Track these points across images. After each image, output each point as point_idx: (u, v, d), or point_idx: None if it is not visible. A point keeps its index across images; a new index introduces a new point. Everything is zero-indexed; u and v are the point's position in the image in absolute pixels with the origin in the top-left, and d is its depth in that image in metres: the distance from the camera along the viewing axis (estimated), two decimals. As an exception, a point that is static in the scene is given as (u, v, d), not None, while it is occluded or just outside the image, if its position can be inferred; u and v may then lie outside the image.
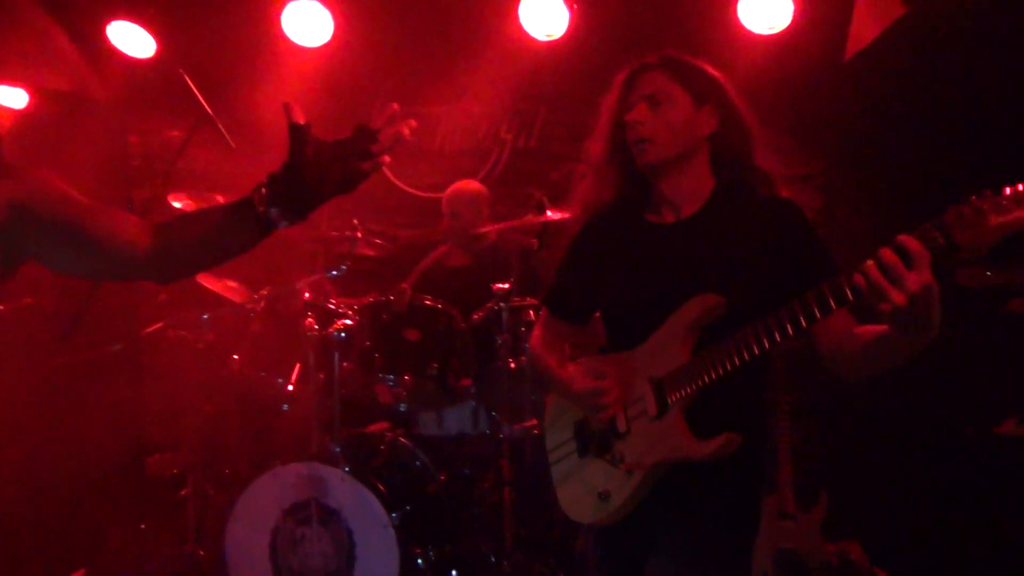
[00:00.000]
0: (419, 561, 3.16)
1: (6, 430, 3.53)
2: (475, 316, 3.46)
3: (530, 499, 3.49)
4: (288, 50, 4.40)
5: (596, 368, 1.98)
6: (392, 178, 4.91)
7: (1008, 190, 1.37)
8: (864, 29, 3.95)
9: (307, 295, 3.57)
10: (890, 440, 3.75)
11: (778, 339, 1.66)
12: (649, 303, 1.94)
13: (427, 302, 3.46)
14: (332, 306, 3.51)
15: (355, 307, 3.48)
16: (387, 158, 1.47)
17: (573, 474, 2.05)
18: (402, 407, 3.61)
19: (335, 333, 3.33)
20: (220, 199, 3.61)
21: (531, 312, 3.44)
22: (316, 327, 3.40)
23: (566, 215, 3.33)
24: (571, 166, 4.69)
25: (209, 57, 4.37)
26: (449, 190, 4.18)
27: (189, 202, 3.70)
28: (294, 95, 1.49)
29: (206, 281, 3.78)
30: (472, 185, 4.25)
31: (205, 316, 3.77)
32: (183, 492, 3.78)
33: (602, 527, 1.98)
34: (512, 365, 3.40)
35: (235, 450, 3.90)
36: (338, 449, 3.26)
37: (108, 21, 4.32)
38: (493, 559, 3.38)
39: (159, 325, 3.90)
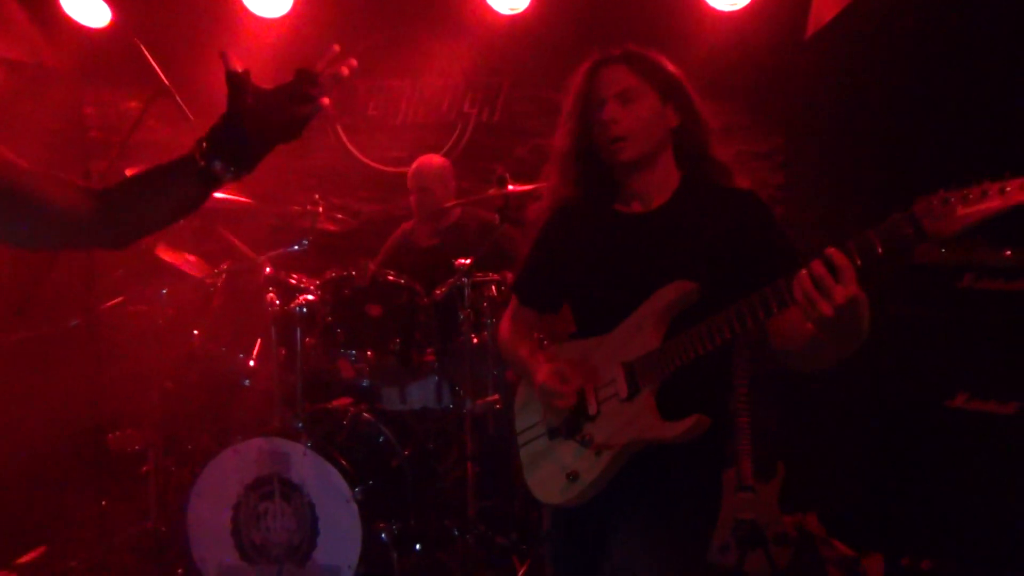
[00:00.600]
0: (382, 536, 3.18)
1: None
2: (438, 292, 3.46)
3: (492, 473, 3.52)
4: (247, 20, 4.34)
5: (562, 367, 2.00)
6: (355, 152, 4.87)
7: (974, 183, 1.41)
8: (824, 7, 3.98)
9: (269, 270, 3.53)
10: (846, 413, 3.83)
11: (750, 325, 1.72)
12: (620, 290, 1.98)
13: (390, 277, 3.46)
14: (293, 281, 3.48)
15: (317, 282, 3.47)
16: (327, 100, 1.44)
17: (542, 456, 2.07)
18: (365, 382, 3.61)
19: (297, 308, 3.31)
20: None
21: (493, 288, 3.45)
22: (277, 302, 3.38)
23: (528, 189, 3.35)
24: (535, 141, 4.73)
25: (166, 27, 4.29)
26: (415, 165, 4.16)
27: (147, 175, 3.64)
28: (252, 66, 1.46)
29: (165, 255, 3.73)
30: (437, 159, 4.23)
31: (164, 291, 3.72)
32: (144, 468, 3.75)
33: (567, 508, 2.00)
34: (475, 340, 3.41)
35: (197, 426, 3.88)
36: (300, 424, 3.26)
37: (62, -11, 4.22)
38: (456, 533, 3.41)
39: (118, 300, 3.85)
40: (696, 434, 1.81)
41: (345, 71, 1.43)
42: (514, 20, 4.40)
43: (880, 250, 1.48)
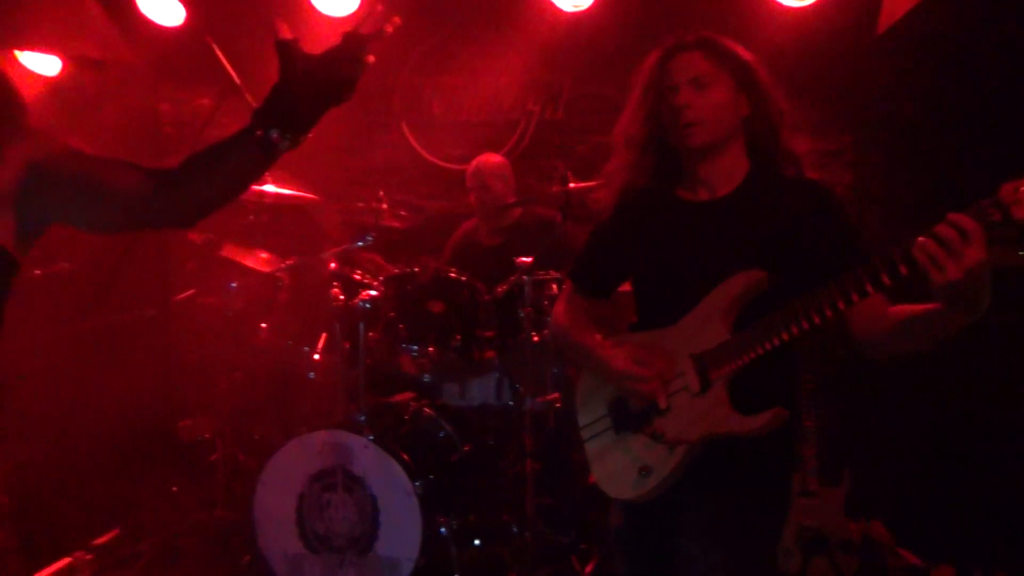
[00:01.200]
0: (442, 530, 3.21)
1: (43, 393, 3.62)
2: (499, 289, 3.48)
3: (552, 471, 3.53)
4: (315, 19, 4.40)
5: (636, 353, 1.98)
6: (419, 149, 4.92)
7: None
8: (897, 3, 3.88)
9: (333, 265, 3.60)
10: (915, 418, 3.74)
11: (829, 315, 1.70)
12: (685, 280, 1.97)
13: (451, 274, 3.49)
14: (357, 277, 3.54)
15: (380, 278, 3.52)
16: (372, 58, 1.45)
17: (610, 451, 2.06)
18: (426, 377, 3.65)
19: (360, 303, 3.36)
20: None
21: (554, 286, 3.45)
22: (342, 297, 3.44)
23: (590, 186, 3.35)
24: (598, 139, 4.71)
25: (237, 26, 4.39)
26: (474, 163, 4.18)
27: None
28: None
29: (235, 251, 3.83)
30: (496, 157, 4.26)
31: (234, 284, 3.82)
32: (213, 456, 3.87)
33: (638, 503, 1.99)
34: (535, 338, 3.42)
35: (263, 416, 3.98)
36: (363, 418, 3.31)
37: (138, -10, 4.34)
38: (515, 529, 3.42)
39: (190, 292, 3.97)
40: (774, 427, 1.80)
41: (389, 28, 1.44)
42: (577, 17, 4.38)
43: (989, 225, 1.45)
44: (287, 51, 1.43)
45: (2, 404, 1.65)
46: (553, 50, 4.62)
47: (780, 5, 4.07)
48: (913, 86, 3.99)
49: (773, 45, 4.13)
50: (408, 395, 3.80)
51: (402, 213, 4.02)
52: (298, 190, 3.96)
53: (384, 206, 3.79)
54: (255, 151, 1.46)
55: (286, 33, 1.44)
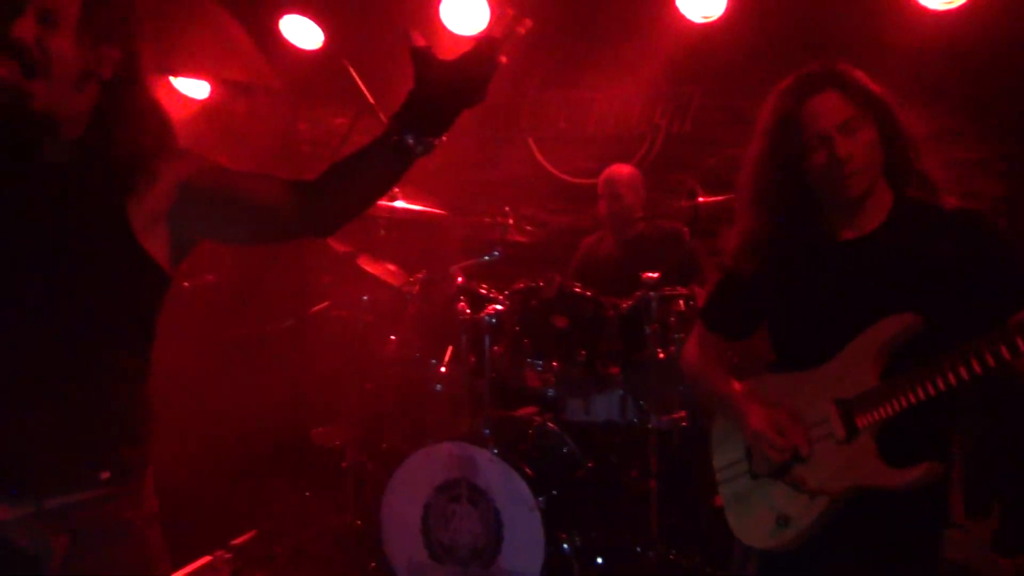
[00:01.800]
0: (564, 546, 3.20)
1: (187, 399, 3.83)
2: (624, 304, 3.44)
3: (677, 491, 3.45)
4: (446, 38, 4.51)
5: (777, 417, 1.92)
6: (545, 163, 4.94)
7: None
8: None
9: (460, 280, 3.65)
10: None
11: (992, 364, 1.59)
12: (830, 321, 1.90)
13: (576, 289, 3.48)
14: (483, 291, 3.58)
15: (505, 292, 3.55)
16: (504, 58, 1.46)
17: (746, 496, 2.00)
18: (550, 392, 3.65)
19: (486, 317, 3.40)
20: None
21: (681, 302, 3.39)
22: (468, 311, 3.49)
23: (718, 200, 3.27)
24: (728, 151, 4.61)
25: (372, 48, 4.54)
26: (606, 173, 4.16)
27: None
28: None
29: (367, 264, 3.95)
30: (629, 167, 4.23)
31: (365, 297, 3.94)
32: (343, 464, 3.99)
33: (773, 553, 1.92)
34: (661, 355, 3.36)
35: (391, 426, 4.07)
36: (487, 431, 3.34)
37: (281, 15, 4.57)
38: (638, 549, 3.37)
39: (325, 304, 4.12)
40: (926, 483, 1.71)
41: (522, 30, 1.45)
42: (707, 28, 4.30)
43: None
44: (421, 58, 1.46)
45: (155, 412, 1.74)
46: (681, 62, 4.55)
47: (923, 8, 3.87)
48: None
49: (913, 49, 3.96)
50: (532, 409, 3.81)
51: (528, 228, 4.04)
52: (426, 205, 4.05)
53: (510, 221, 3.82)
54: (391, 157, 1.50)
55: (420, 41, 1.46)
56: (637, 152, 4.74)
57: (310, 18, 4.57)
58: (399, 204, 3.95)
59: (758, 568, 2.02)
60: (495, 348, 3.46)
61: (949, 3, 3.82)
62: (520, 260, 4.23)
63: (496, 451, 3.21)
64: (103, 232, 1.61)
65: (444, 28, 4.46)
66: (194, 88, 4.58)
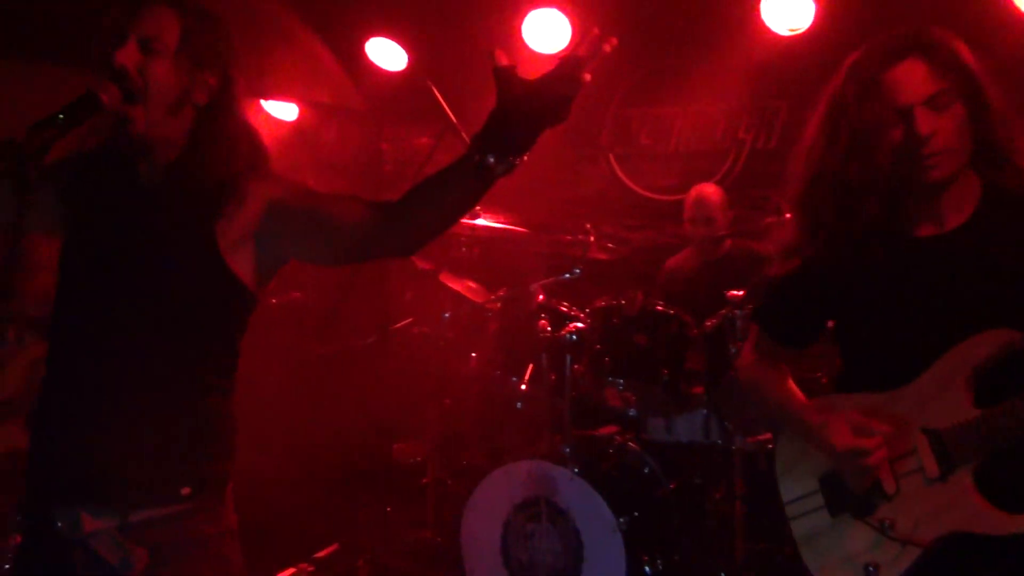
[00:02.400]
0: (646, 569, 3.14)
1: (274, 414, 3.91)
2: (708, 323, 3.37)
3: (762, 515, 3.35)
4: (528, 58, 4.53)
5: (856, 421, 1.69)
6: (626, 180, 4.91)
7: None
8: None
9: (541, 297, 3.65)
10: None
11: None
12: (913, 334, 1.68)
13: (659, 307, 3.43)
14: (564, 309, 3.57)
15: (587, 310, 3.52)
16: (588, 76, 1.44)
17: (824, 536, 1.78)
18: (631, 412, 3.60)
19: (567, 335, 3.38)
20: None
21: (768, 321, 3.30)
22: (549, 329, 3.47)
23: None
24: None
25: (454, 69, 4.60)
26: (696, 194, 4.10)
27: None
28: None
29: (448, 281, 3.98)
30: (717, 188, 4.17)
31: (446, 314, 3.97)
32: (424, 480, 4.01)
33: None
34: (746, 375, 3.28)
35: (471, 443, 4.09)
36: (568, 450, 3.31)
37: (367, 38, 4.67)
38: (722, 575, 3.28)
39: (407, 321, 4.17)
40: None
41: (607, 48, 1.43)
42: (794, 41, 4.21)
43: None
44: (504, 77, 1.46)
45: (236, 429, 1.78)
46: (767, 75, 4.47)
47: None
48: None
49: (1016, 58, 3.78)
50: (613, 429, 3.77)
51: (609, 245, 4.01)
52: (508, 223, 4.07)
53: (591, 238, 3.80)
54: (472, 177, 1.50)
55: (503, 60, 1.47)
56: (720, 168, 4.67)
57: (395, 40, 4.66)
58: (481, 222, 3.97)
59: None
60: (576, 366, 3.43)
61: (1054, 9, 3.65)
62: (601, 278, 4.20)
63: (576, 470, 3.17)
64: (192, 253, 1.66)
65: (526, 47, 4.49)
66: (283, 110, 4.71)
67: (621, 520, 3.08)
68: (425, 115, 4.65)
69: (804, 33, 4.13)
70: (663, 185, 4.79)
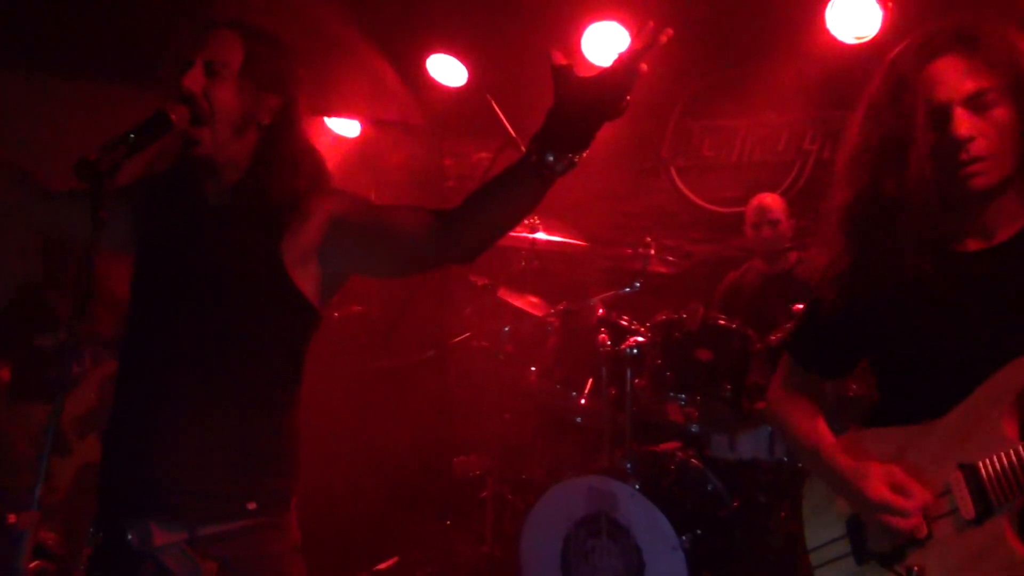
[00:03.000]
0: (709, 587, 3.08)
1: (334, 427, 3.96)
2: (772, 337, 3.31)
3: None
4: (588, 71, 4.52)
5: (893, 474, 1.55)
6: (687, 193, 4.86)
7: None
8: None
9: (601, 311, 3.62)
10: None
11: None
12: (953, 357, 1.53)
13: (721, 321, 3.37)
14: (625, 323, 3.54)
15: (647, 324, 3.48)
16: (645, 66, 1.42)
17: None
18: (693, 427, 3.54)
19: (627, 350, 3.35)
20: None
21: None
22: (609, 343, 3.45)
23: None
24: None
25: (514, 83, 4.62)
26: (759, 201, 4.07)
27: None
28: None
29: (508, 296, 3.98)
30: (777, 196, 4.12)
31: (506, 328, 3.97)
32: (483, 494, 4.01)
33: None
34: (813, 391, 3.20)
35: (531, 457, 4.07)
36: (629, 465, 3.27)
37: (428, 55, 4.72)
38: (788, 594, 3.20)
39: (466, 335, 4.18)
40: None
41: (663, 39, 1.41)
42: (860, 49, 4.12)
43: None
44: (562, 75, 1.46)
45: (301, 444, 1.81)
46: (833, 84, 4.38)
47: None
48: None
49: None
50: (674, 444, 3.71)
51: (670, 258, 3.97)
52: (567, 237, 4.06)
53: (652, 251, 3.76)
54: (531, 177, 1.50)
55: (561, 59, 1.46)
56: (785, 179, 4.59)
57: (455, 57, 4.70)
58: (540, 235, 3.97)
59: None
60: (636, 381, 3.39)
61: None
62: (662, 291, 4.16)
63: (637, 486, 3.13)
64: (258, 270, 1.70)
65: (586, 61, 4.48)
66: (346, 127, 4.79)
67: (683, 538, 3.02)
68: (485, 130, 4.68)
69: (871, 41, 4.04)
70: (725, 197, 4.72)
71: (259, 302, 1.70)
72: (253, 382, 1.71)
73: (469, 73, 4.73)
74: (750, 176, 4.63)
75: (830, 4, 3.91)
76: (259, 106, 1.73)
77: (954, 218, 1.55)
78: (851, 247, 1.63)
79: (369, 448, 4.31)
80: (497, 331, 3.99)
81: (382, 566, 4.03)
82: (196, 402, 1.67)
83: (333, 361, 3.91)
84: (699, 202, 4.83)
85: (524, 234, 3.74)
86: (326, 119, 4.65)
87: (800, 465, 3.22)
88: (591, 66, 4.47)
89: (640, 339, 3.38)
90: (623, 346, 3.38)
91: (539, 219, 3.80)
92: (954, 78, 1.48)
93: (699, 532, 3.14)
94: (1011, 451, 1.42)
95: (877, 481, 1.55)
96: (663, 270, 3.95)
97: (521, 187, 1.53)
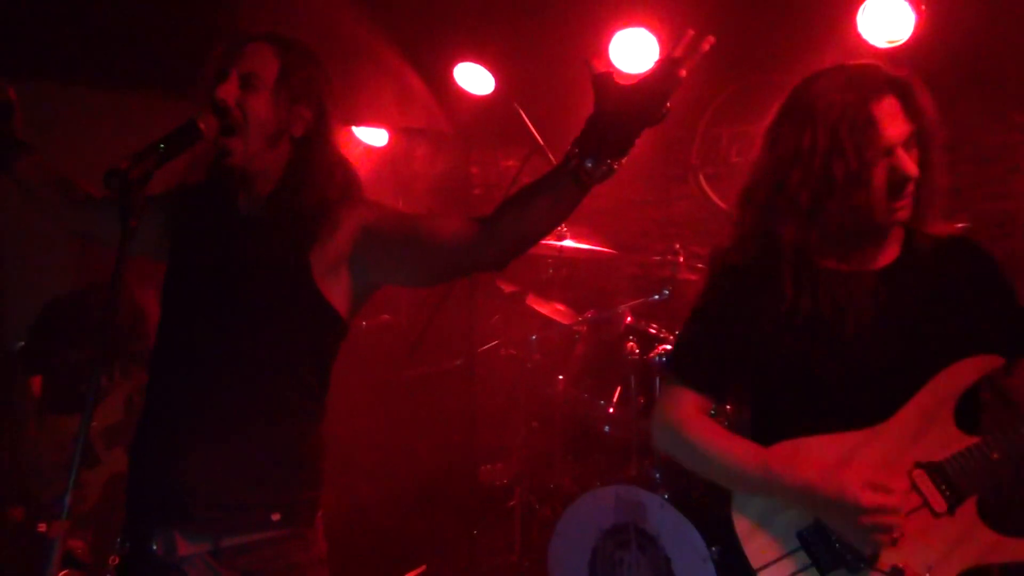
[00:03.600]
0: (739, 600, 3.03)
1: (361, 435, 3.97)
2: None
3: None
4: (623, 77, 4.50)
5: (866, 474, 1.58)
6: (715, 199, 4.82)
7: None
8: None
9: (629, 319, 3.60)
10: None
11: None
12: (883, 367, 1.64)
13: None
14: (653, 331, 3.51)
15: (676, 332, 3.45)
16: (683, 71, 1.43)
17: None
18: (724, 437, 3.50)
19: (656, 358, 3.32)
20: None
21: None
22: (637, 351, 3.42)
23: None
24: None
25: (541, 91, 4.62)
26: None
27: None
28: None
29: (535, 304, 3.97)
30: None
31: (534, 337, 3.96)
32: (510, 502, 3.99)
33: None
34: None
35: (558, 466, 4.04)
36: (658, 475, 3.24)
37: (455, 64, 4.73)
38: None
39: (493, 343, 4.17)
40: None
41: (705, 46, 1.43)
42: (892, 53, 4.07)
43: None
44: (602, 83, 1.47)
45: (326, 455, 1.80)
46: (864, 90, 4.32)
47: None
48: None
49: None
50: (704, 454, 3.67)
51: (699, 266, 3.93)
52: (595, 244, 4.04)
53: (680, 259, 3.73)
54: (569, 183, 1.50)
55: (599, 67, 1.46)
56: (816, 186, 4.53)
57: (483, 65, 4.71)
58: (568, 243, 3.96)
59: None
60: (665, 390, 3.36)
61: None
62: (691, 299, 4.12)
63: (667, 496, 3.10)
64: (286, 281, 1.70)
65: (614, 68, 4.47)
66: (374, 136, 4.81)
67: (713, 549, 2.98)
68: (512, 138, 4.68)
69: (902, 45, 3.99)
70: (755, 204, 4.67)
71: (286, 312, 1.70)
72: (279, 392, 1.71)
73: (496, 81, 4.73)
74: (779, 183, 4.58)
75: (862, 8, 3.87)
76: (292, 118, 1.74)
77: (852, 242, 1.68)
78: (753, 245, 1.75)
79: (396, 456, 4.31)
80: (525, 339, 3.98)
81: (409, 574, 4.02)
82: (222, 412, 1.68)
83: (360, 370, 3.93)
84: (728, 209, 4.78)
85: (552, 241, 3.74)
86: (353, 128, 4.67)
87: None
88: (620, 73, 4.47)
89: (668, 347, 3.36)
90: (651, 355, 3.35)
91: (567, 226, 3.79)
92: (897, 120, 1.62)
93: (730, 543, 3.10)
94: (968, 444, 1.57)
95: (856, 486, 1.56)
96: (692, 277, 3.91)
97: (558, 193, 1.53)
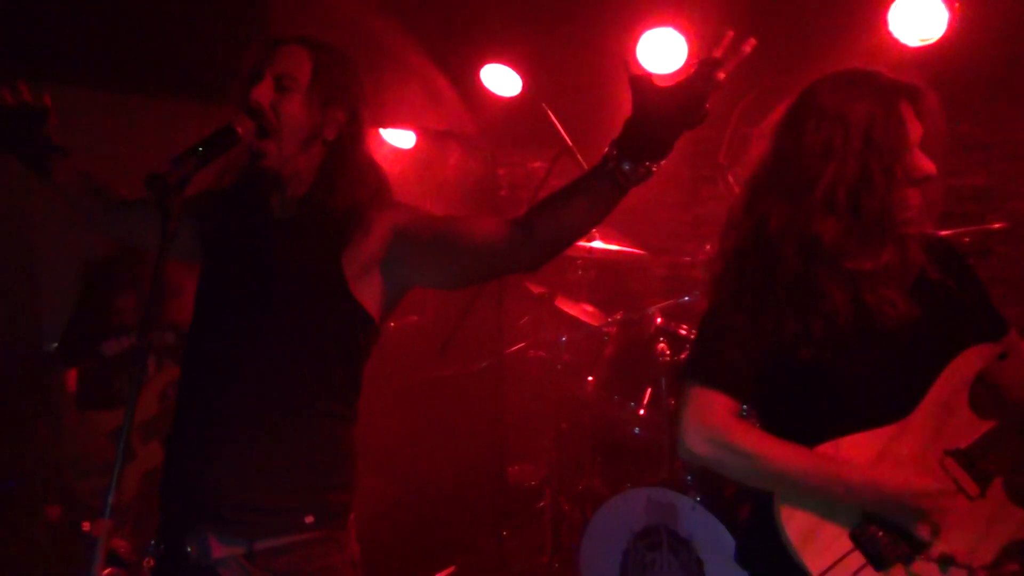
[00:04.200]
0: (773, 603, 3.00)
1: (391, 437, 3.98)
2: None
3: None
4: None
5: (914, 461, 1.64)
6: (745, 200, 4.79)
7: None
8: None
9: (659, 320, 3.58)
10: None
11: None
12: (899, 364, 1.69)
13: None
14: (683, 332, 3.49)
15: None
16: (723, 74, 1.44)
17: None
18: (755, 438, 3.48)
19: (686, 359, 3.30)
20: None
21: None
22: (668, 353, 3.40)
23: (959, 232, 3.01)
24: (947, 181, 4.24)
25: (569, 92, 4.61)
26: None
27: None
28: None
29: (564, 305, 3.96)
30: None
31: (563, 338, 3.95)
32: (539, 504, 3.98)
33: None
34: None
35: (588, 468, 4.03)
36: (690, 477, 3.22)
37: (482, 65, 4.74)
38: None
39: (521, 344, 4.17)
40: None
41: (747, 48, 1.44)
42: (925, 52, 4.01)
43: None
44: (640, 86, 1.47)
45: (358, 457, 1.80)
46: (895, 89, 4.27)
47: None
48: None
49: None
50: (735, 456, 3.64)
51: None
52: (624, 245, 4.02)
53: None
54: (606, 185, 1.50)
55: (637, 69, 1.47)
56: (846, 185, 4.48)
57: (510, 66, 4.71)
58: (597, 244, 3.94)
59: None
60: (696, 391, 3.34)
61: None
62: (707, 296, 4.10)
63: (699, 498, 3.08)
64: (318, 284, 1.71)
65: (642, 69, 4.45)
66: (401, 138, 4.83)
67: (746, 552, 2.96)
68: (539, 139, 4.67)
69: (936, 43, 3.93)
70: (785, 204, 4.64)
71: (318, 315, 1.71)
72: (311, 394, 1.71)
73: (523, 82, 4.73)
74: (809, 182, 4.54)
75: (893, 5, 3.82)
76: (326, 120, 1.74)
77: (855, 243, 1.71)
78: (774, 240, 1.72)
79: (425, 458, 4.32)
80: (554, 341, 3.97)
81: (438, 575, 4.03)
82: (255, 415, 1.68)
83: (388, 371, 3.94)
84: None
85: (581, 242, 3.72)
86: (381, 130, 4.69)
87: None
88: (658, 75, 4.45)
89: (700, 349, 3.33)
90: (682, 356, 3.33)
91: (596, 227, 3.78)
92: (914, 122, 1.70)
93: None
94: (986, 429, 1.66)
95: (916, 475, 1.63)
96: (722, 278, 3.89)
97: (596, 195, 1.53)
